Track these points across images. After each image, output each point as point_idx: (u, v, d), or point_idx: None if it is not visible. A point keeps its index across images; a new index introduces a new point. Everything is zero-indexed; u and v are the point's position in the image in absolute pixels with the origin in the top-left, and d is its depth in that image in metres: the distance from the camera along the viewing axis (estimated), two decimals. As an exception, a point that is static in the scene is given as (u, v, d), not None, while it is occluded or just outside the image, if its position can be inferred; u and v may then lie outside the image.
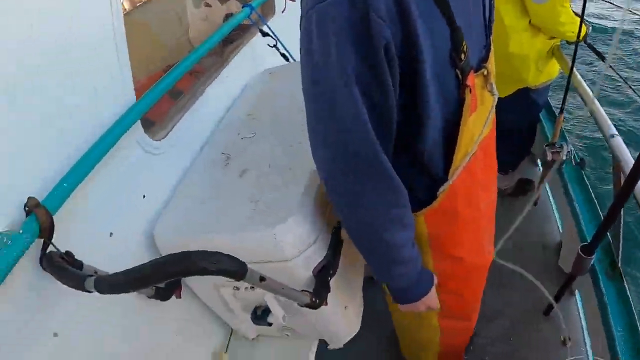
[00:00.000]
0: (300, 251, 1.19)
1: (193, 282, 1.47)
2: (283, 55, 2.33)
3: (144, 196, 1.43)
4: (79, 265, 1.09)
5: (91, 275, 0.97)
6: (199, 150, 1.68)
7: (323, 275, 1.24)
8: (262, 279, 0.93)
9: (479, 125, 1.15)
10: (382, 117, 0.94)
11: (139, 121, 1.43)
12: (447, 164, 1.13)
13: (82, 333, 1.19)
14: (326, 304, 1.24)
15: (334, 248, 1.30)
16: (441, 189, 1.15)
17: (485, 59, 1.13)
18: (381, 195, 1.01)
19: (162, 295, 1.41)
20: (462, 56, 0.97)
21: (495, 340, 2.32)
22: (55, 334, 1.12)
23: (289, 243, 1.17)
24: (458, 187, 1.17)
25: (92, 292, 0.96)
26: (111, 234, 1.30)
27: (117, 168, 1.35)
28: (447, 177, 1.14)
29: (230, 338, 1.82)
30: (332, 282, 1.29)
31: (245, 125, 1.68)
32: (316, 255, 1.25)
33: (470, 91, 1.02)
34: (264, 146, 1.52)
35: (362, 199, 1.01)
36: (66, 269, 1.03)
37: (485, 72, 1.11)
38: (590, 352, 2.18)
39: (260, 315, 1.44)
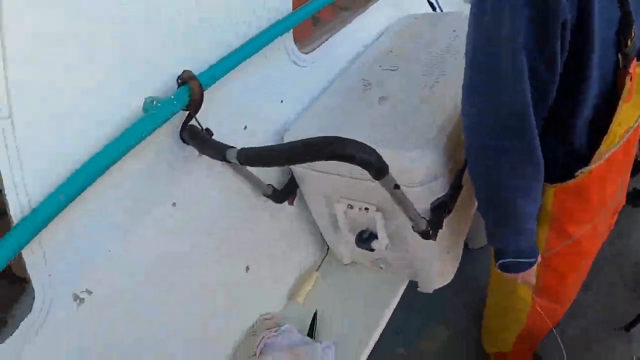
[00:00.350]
0: (426, 181, 1.21)
1: (308, 192, 1.54)
2: (431, 3, 2.31)
3: (281, 101, 1.49)
4: (215, 142, 1.18)
5: (232, 147, 1.03)
6: (339, 73, 1.72)
7: (440, 210, 1.26)
8: (396, 186, 0.96)
9: (632, 116, 1.12)
10: (541, 91, 0.96)
11: (291, 31, 1.48)
12: (591, 147, 1.11)
13: (196, 210, 1.30)
14: (435, 238, 1.26)
15: (454, 189, 1.31)
16: (581, 171, 1.14)
17: None
18: (520, 164, 1.03)
19: (278, 197, 1.48)
20: (629, 42, 0.96)
21: (570, 339, 2.18)
22: (174, 204, 1.22)
23: (420, 170, 1.19)
24: (597, 172, 1.16)
25: (231, 162, 1.02)
26: (245, 127, 1.37)
27: (265, 68, 1.42)
28: (589, 160, 1.13)
29: (323, 259, 1.89)
30: (444, 222, 1.31)
31: (387, 59, 1.69)
32: (438, 189, 1.27)
33: (631, 79, 1.01)
34: (404, 80, 1.53)
35: (501, 162, 1.03)
36: (209, 139, 1.12)
37: None
38: None
39: (366, 238, 1.48)
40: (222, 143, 1.08)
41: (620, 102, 1.03)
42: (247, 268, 1.54)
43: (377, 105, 1.42)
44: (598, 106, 1.05)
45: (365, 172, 1.13)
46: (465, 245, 2.71)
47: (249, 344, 1.57)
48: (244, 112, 1.37)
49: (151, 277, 1.23)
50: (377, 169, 0.85)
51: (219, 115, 1.27)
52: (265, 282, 1.65)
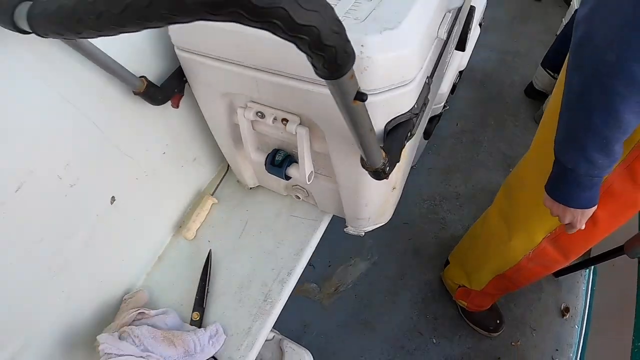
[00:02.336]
0: (387, 87, 0.76)
1: (201, 90, 1.05)
2: None
3: None
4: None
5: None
6: None
7: (401, 135, 0.83)
8: (361, 95, 0.50)
9: None
10: None
11: None
12: None
13: (21, 111, 0.80)
14: (388, 177, 0.84)
15: (422, 105, 0.87)
16: None
17: None
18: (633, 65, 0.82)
19: (155, 96, 1.00)
20: None
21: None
22: None
23: (380, 67, 0.72)
24: None
25: (28, 32, 0.53)
26: None
27: None
28: None
29: (221, 180, 1.44)
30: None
31: None
32: (403, 103, 0.82)
33: None
34: None
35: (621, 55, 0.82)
36: None
37: None
38: (585, 329, 2.10)
39: (279, 162, 1.04)
40: None
41: None
42: (113, 198, 1.08)
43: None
44: None
45: (296, 64, 0.69)
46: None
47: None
48: None
49: None
50: (332, 51, 0.39)
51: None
52: (141, 214, 1.20)
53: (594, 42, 0.85)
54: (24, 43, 0.75)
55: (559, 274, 2.22)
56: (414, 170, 2.58)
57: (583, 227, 1.13)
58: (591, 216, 1.15)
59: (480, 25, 2.44)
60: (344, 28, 0.39)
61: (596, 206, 1.08)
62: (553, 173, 1.07)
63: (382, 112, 0.80)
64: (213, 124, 1.16)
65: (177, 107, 1.10)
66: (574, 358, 2.04)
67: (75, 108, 0.89)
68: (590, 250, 2.02)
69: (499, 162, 2.72)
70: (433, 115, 1.98)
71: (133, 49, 0.97)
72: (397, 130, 0.83)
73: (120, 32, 0.42)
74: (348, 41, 0.40)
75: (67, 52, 0.82)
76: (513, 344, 2.06)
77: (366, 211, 1.14)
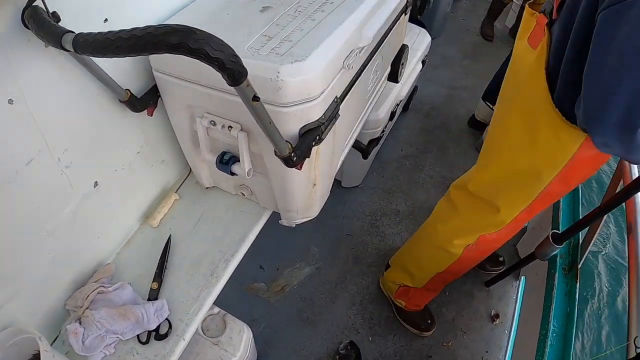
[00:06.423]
0: (297, 101, 1.09)
1: (170, 103, 1.37)
2: None
3: None
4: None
5: (71, 32, 0.85)
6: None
7: (309, 137, 1.15)
8: (256, 98, 0.83)
9: None
10: None
11: None
12: None
13: (37, 111, 1.09)
14: (300, 168, 1.16)
15: (330, 117, 1.21)
16: None
17: None
18: None
19: (135, 105, 1.31)
20: None
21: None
22: (11, 101, 1.01)
23: (290, 88, 1.06)
24: None
25: (69, 50, 0.85)
26: (106, 19, 1.17)
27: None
28: None
29: (184, 181, 1.75)
30: (313, 152, 1.21)
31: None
32: (311, 114, 1.15)
33: None
34: None
35: None
36: (48, 22, 0.91)
37: None
38: (513, 334, 2.26)
39: (227, 161, 1.36)
40: (62, 27, 0.89)
41: None
42: (96, 183, 1.36)
43: (258, 14, 1.28)
44: None
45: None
46: (338, 182, 2.77)
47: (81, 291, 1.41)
48: (106, 2, 1.16)
49: None
50: (231, 71, 0.71)
51: (74, 2, 1.06)
52: (117, 201, 1.49)
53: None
54: (48, 59, 1.06)
55: (489, 283, 2.42)
56: (358, 189, 2.88)
57: None
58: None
59: (423, 62, 2.76)
60: (238, 57, 0.72)
61: None
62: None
63: (295, 119, 1.14)
64: (178, 130, 1.48)
65: (152, 115, 1.41)
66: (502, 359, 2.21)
67: (76, 107, 1.20)
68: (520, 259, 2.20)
69: (437, 184, 3.00)
70: (372, 138, 2.31)
71: (122, 69, 1.28)
72: (308, 134, 1.16)
73: (127, 56, 0.74)
74: (241, 64, 0.73)
75: (75, 65, 1.12)
76: (444, 344, 2.25)
77: (293, 203, 1.46)
